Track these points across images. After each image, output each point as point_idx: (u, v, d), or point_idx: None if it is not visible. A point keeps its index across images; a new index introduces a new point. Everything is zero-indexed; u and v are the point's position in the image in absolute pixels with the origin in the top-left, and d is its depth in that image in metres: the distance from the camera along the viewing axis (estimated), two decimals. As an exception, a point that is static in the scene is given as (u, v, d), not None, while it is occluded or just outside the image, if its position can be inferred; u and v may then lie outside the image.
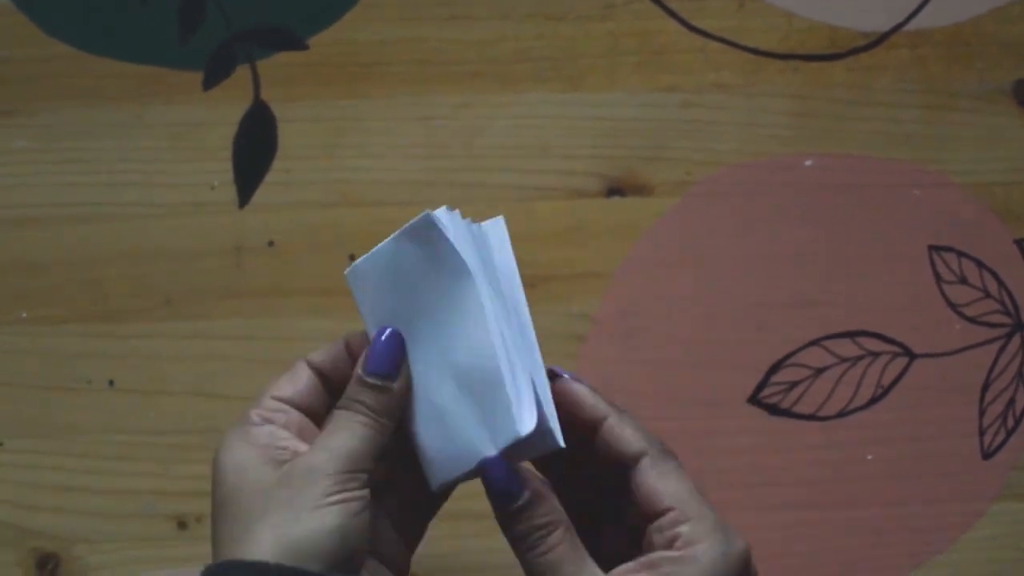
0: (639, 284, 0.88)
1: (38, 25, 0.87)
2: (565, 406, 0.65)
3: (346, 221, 0.87)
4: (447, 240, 0.62)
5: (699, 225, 0.88)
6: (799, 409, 0.89)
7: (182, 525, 0.87)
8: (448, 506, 0.70)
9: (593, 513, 0.67)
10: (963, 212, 0.89)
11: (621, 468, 0.65)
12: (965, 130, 0.89)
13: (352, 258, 0.83)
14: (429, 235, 0.63)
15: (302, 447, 0.64)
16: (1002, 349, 0.89)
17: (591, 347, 0.88)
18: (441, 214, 0.63)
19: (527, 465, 0.65)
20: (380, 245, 0.65)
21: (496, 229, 0.67)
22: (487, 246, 0.66)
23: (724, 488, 0.88)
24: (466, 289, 0.62)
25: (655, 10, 0.88)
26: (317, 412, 0.66)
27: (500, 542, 0.65)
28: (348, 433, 0.63)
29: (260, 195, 0.87)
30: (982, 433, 0.89)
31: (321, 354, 0.67)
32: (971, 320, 0.89)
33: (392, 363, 0.64)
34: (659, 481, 0.63)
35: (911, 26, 0.89)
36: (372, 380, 0.64)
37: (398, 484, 0.67)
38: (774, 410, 0.88)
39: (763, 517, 0.88)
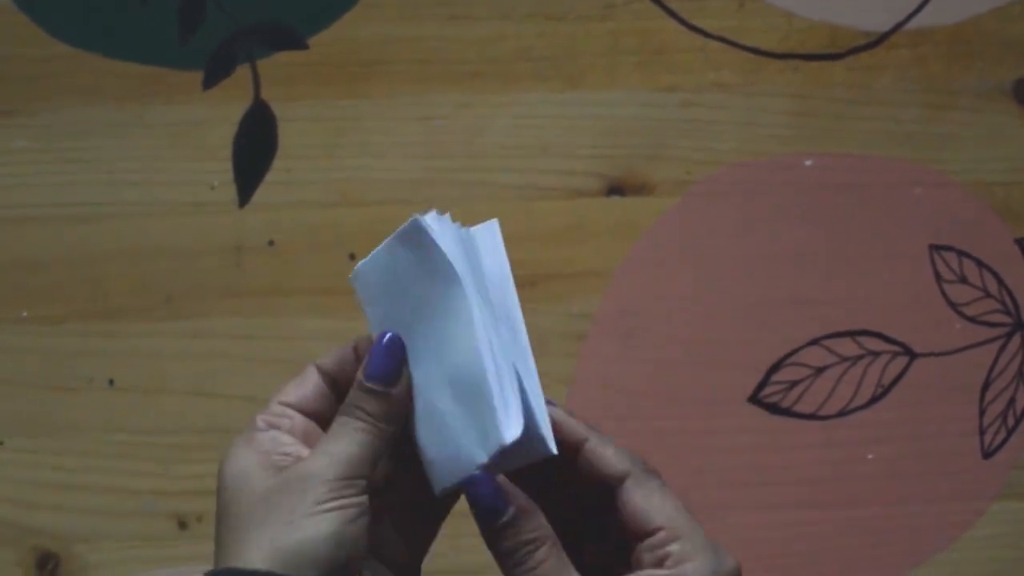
0: (639, 284, 0.88)
1: (39, 25, 0.87)
2: None
3: (346, 221, 0.87)
4: (436, 245, 0.62)
5: (699, 224, 0.88)
6: (799, 408, 0.89)
7: (182, 524, 0.87)
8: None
9: (576, 531, 0.67)
10: (963, 211, 0.89)
11: (604, 488, 0.65)
12: (965, 129, 0.89)
13: (352, 257, 0.83)
14: (420, 240, 0.63)
15: (305, 453, 0.63)
16: (1002, 348, 0.89)
17: (591, 346, 0.88)
18: (430, 219, 0.63)
19: (512, 481, 0.65)
20: (377, 249, 0.65)
21: (487, 233, 0.67)
22: (475, 250, 0.66)
23: (724, 487, 0.88)
24: (455, 294, 0.62)
25: (655, 10, 0.88)
26: (325, 417, 0.66)
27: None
28: (347, 439, 0.63)
29: (260, 194, 0.87)
30: (982, 432, 0.89)
31: (330, 358, 0.67)
32: (971, 319, 0.89)
33: (391, 368, 0.64)
34: (645, 500, 0.63)
35: (911, 25, 0.89)
36: (371, 386, 0.64)
37: (400, 484, 0.67)
38: (774, 409, 0.88)
39: (763, 516, 0.88)
